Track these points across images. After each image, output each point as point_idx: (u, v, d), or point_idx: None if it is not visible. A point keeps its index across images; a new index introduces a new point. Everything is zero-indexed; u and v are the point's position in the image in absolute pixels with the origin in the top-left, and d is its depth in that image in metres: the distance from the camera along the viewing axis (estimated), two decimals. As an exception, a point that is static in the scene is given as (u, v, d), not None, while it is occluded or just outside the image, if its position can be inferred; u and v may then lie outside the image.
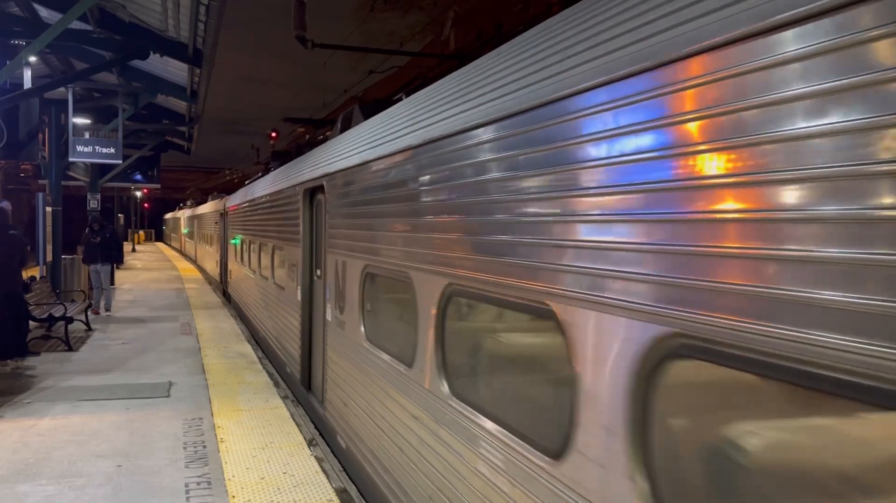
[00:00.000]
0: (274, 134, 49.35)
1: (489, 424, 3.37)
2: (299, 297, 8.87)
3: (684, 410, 2.21)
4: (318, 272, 8.11)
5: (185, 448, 6.98)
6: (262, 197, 12.59)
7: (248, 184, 17.83)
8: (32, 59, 13.04)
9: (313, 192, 8.43)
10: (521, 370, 3.40)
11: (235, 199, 17.94)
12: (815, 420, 1.80)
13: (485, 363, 3.73)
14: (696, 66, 2.08)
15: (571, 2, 3.31)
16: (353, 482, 6.19)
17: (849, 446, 1.71)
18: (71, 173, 21.29)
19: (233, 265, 18.05)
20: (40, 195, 17.08)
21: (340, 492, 5.87)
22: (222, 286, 21.46)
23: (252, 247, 13.96)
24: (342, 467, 6.58)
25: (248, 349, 12.37)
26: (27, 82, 13.75)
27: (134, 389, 9.34)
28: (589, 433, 2.54)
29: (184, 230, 47.02)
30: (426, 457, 4.13)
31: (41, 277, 15.57)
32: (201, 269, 30.96)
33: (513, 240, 3.12)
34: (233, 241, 17.58)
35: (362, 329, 5.80)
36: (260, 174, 19.74)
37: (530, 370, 3.32)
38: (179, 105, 19.92)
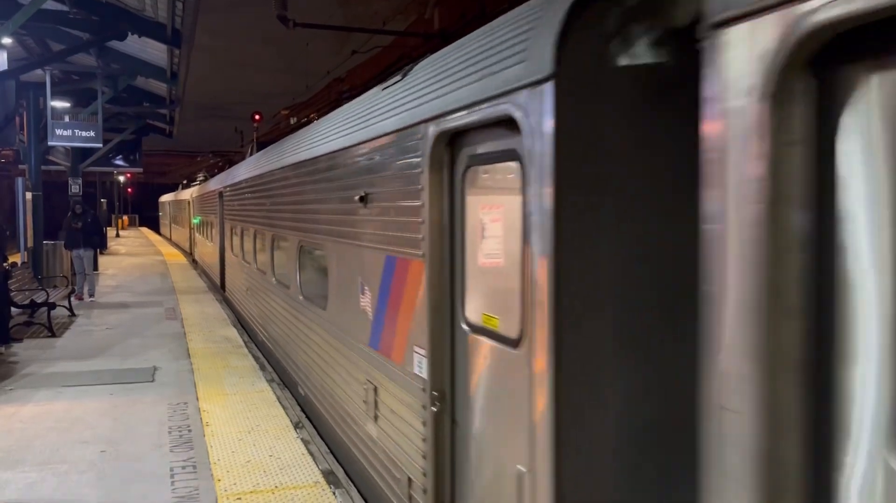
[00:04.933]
0: (258, 117, 48.99)
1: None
2: None
3: None
4: None
5: (170, 432, 6.93)
6: None
7: None
8: (7, 40, 12.78)
9: None
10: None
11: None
12: None
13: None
14: None
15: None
16: (339, 464, 6.17)
17: None
18: (51, 158, 20.99)
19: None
20: (20, 180, 16.84)
21: (327, 474, 5.85)
22: None
23: None
24: (329, 449, 6.55)
25: (233, 333, 12.29)
26: (2, 65, 13.48)
27: (118, 375, 9.26)
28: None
29: (194, 219, 26.31)
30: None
31: (22, 263, 15.38)
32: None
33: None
34: None
35: None
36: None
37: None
38: (160, 87, 19.66)
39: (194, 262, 26.67)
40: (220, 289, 17.14)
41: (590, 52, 2.70)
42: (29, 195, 16.65)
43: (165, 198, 53.98)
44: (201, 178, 36.64)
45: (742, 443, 1.72)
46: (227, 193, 14.90)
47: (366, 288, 5.03)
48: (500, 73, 3.06)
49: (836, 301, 1.60)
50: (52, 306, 12.35)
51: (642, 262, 2.79)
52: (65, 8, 12.67)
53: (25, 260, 16.01)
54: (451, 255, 3.78)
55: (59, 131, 15.78)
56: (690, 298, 2.27)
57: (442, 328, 3.84)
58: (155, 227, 65.77)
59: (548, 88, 2.69)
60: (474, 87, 3.29)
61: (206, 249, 20.90)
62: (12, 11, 11.74)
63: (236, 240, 13.41)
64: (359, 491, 5.58)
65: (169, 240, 46.27)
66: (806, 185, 1.62)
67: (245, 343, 11.42)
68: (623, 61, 2.71)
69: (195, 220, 25.70)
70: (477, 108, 3.24)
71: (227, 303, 15.52)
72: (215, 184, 18.57)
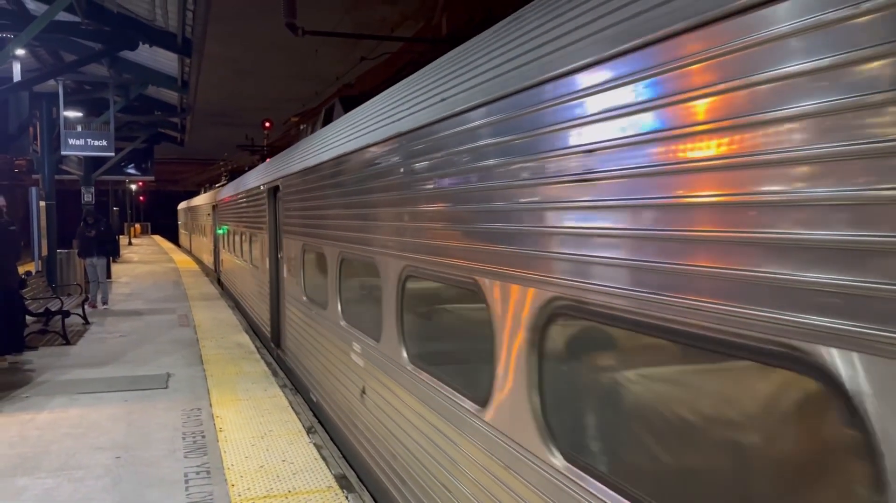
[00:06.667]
0: (268, 124, 49.07)
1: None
2: None
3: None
4: None
5: (183, 438, 6.98)
6: None
7: None
8: (21, 52, 12.93)
9: None
10: None
11: None
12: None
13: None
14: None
15: None
16: (351, 468, 6.20)
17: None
18: (64, 167, 21.19)
19: None
20: (33, 189, 17.02)
21: (340, 479, 5.88)
22: None
23: None
24: (341, 453, 6.59)
25: (245, 339, 12.36)
26: (16, 76, 13.63)
27: (132, 381, 9.33)
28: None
29: (219, 230, 21.05)
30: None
31: (37, 272, 15.53)
32: None
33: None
34: None
35: None
36: None
37: None
38: (171, 96, 19.81)
39: (220, 285, 21.27)
40: (271, 341, 11.19)
41: None
42: (42, 204, 16.82)
43: (184, 205, 45.57)
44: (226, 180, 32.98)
45: None
46: (292, 189, 8.82)
47: None
48: None
49: None
50: (67, 314, 12.46)
51: None
52: (76, 19, 12.80)
53: (39, 268, 16.16)
54: None
55: (71, 141, 15.94)
56: None
57: None
58: (169, 236, 63.34)
59: None
60: None
61: (246, 286, 14.63)
62: (25, 23, 11.88)
63: (315, 276, 7.75)
64: (371, 495, 5.60)
65: (189, 252, 39.55)
66: None
67: (257, 349, 11.47)
68: None
69: (220, 231, 20.08)
70: None
71: (285, 370, 9.95)
72: (260, 176, 12.02)
